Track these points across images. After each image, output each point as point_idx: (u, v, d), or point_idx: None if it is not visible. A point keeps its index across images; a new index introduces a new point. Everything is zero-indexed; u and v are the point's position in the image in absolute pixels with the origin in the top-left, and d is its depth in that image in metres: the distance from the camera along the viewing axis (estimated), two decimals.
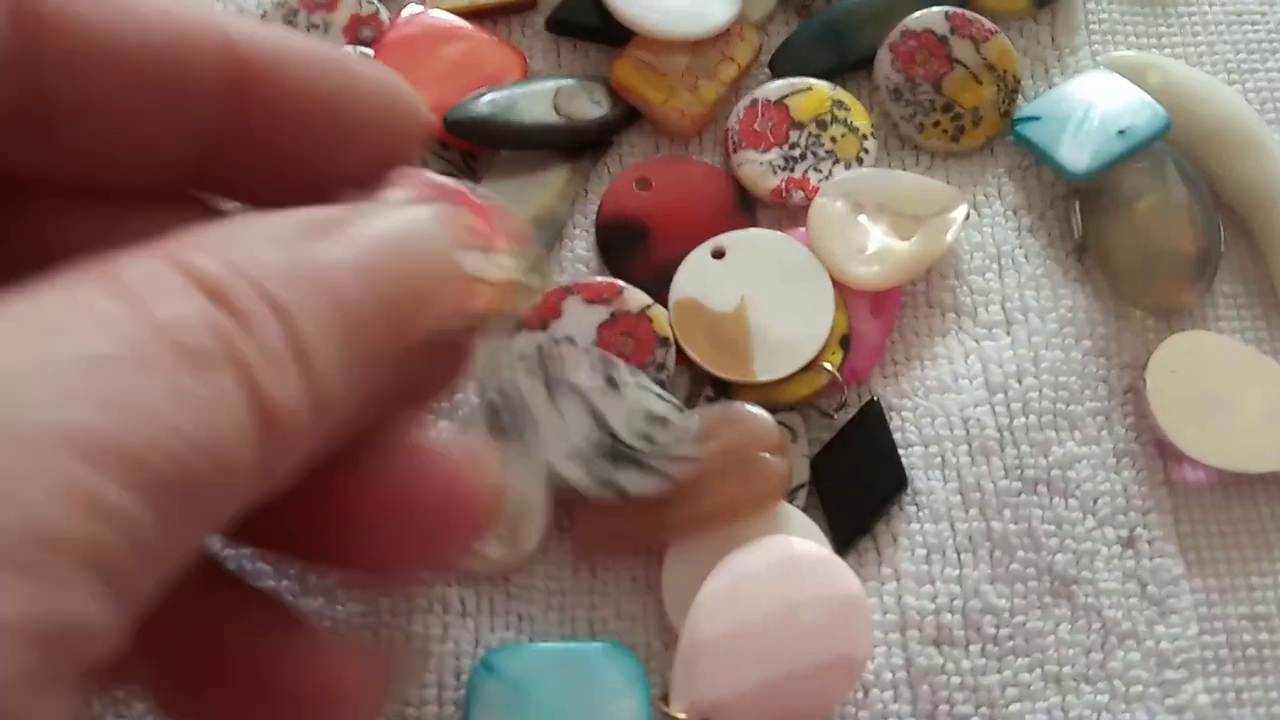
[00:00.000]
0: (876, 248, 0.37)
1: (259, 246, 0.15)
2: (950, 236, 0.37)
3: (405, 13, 0.40)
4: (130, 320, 0.13)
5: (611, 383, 0.33)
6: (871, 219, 0.37)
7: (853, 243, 0.37)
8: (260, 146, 0.19)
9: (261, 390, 0.13)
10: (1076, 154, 0.37)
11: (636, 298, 0.36)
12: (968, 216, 0.37)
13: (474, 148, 0.38)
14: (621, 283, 0.36)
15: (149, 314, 0.13)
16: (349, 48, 0.40)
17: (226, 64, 0.18)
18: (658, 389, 0.34)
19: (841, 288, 0.36)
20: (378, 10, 0.40)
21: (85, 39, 0.17)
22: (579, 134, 0.39)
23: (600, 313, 0.35)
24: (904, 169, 0.39)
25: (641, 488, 0.32)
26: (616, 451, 0.32)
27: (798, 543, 0.32)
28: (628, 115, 0.39)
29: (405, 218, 0.17)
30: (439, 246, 0.17)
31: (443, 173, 0.35)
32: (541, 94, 0.39)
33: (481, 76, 0.39)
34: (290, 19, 0.40)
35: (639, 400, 0.33)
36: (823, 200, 0.37)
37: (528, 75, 0.40)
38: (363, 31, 0.40)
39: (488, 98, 0.38)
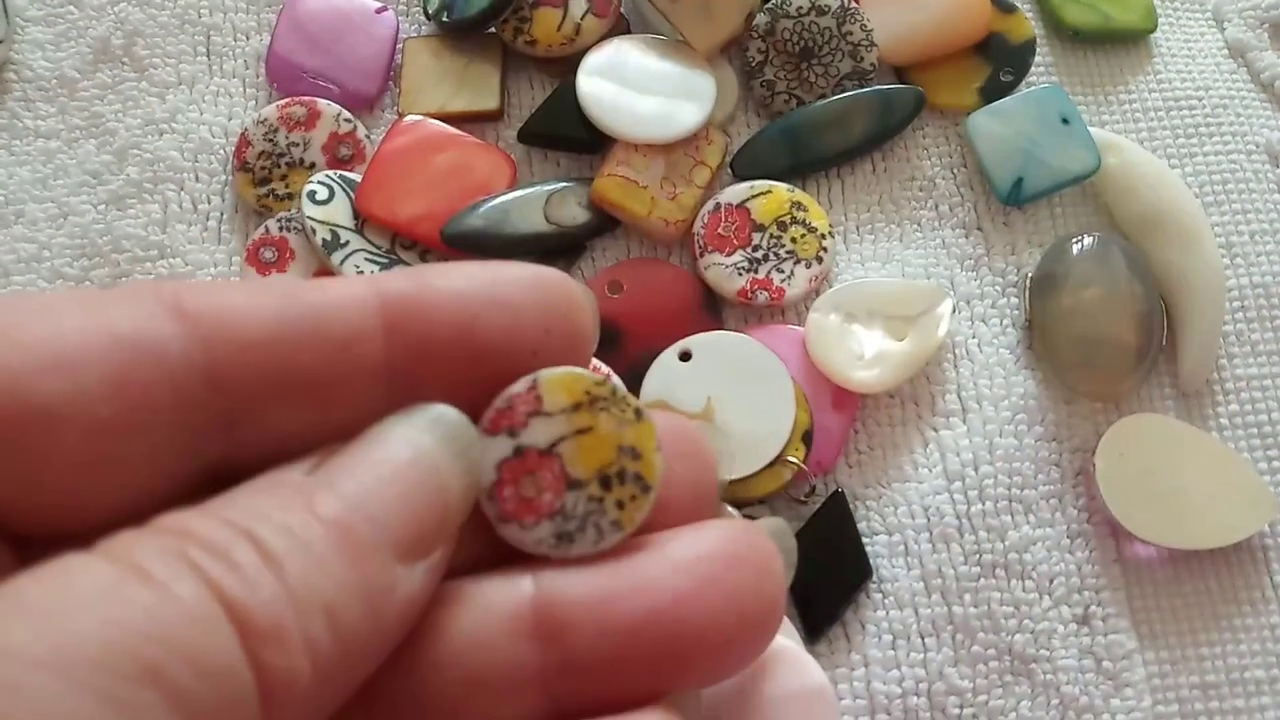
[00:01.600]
0: (874, 352, 0.39)
1: (259, 501, 0.16)
2: (941, 331, 0.39)
3: (408, 119, 0.42)
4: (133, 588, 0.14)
5: None
6: (865, 326, 0.39)
7: (851, 350, 0.39)
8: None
9: (247, 620, 0.14)
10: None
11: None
12: (955, 310, 0.40)
13: (456, 253, 0.40)
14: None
15: (145, 575, 0.14)
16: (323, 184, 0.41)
17: (383, 329, 0.17)
18: None
19: (808, 385, 0.38)
20: (355, 128, 0.42)
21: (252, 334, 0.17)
22: (567, 239, 0.41)
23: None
24: (862, 262, 0.41)
25: None
26: None
27: None
28: (609, 219, 0.41)
29: (402, 445, 0.17)
30: (445, 471, 0.17)
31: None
32: (533, 201, 0.41)
33: (472, 183, 0.41)
34: (270, 137, 0.42)
35: None
36: (816, 315, 0.39)
37: (516, 180, 0.42)
38: (341, 150, 0.42)
39: (482, 210, 0.40)
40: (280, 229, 0.41)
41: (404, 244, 0.41)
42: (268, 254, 0.40)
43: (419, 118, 0.42)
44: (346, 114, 0.42)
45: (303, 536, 0.15)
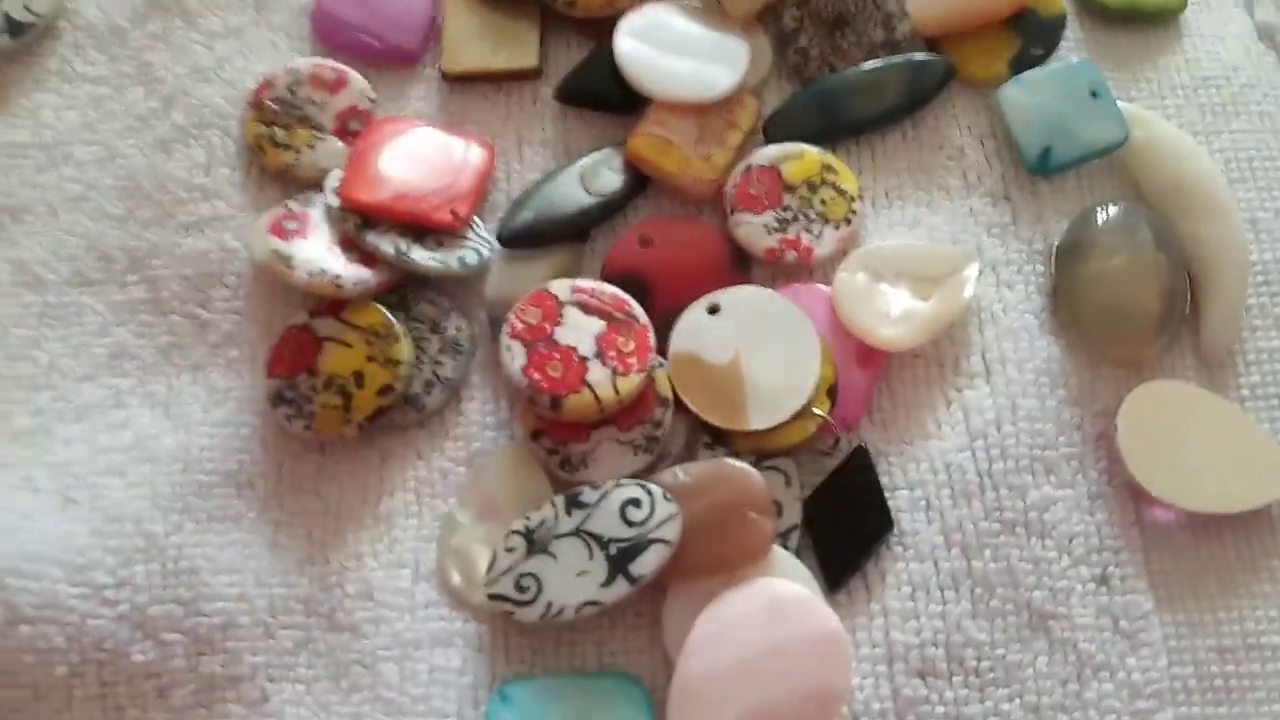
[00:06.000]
0: (900, 311, 0.39)
1: None
2: (967, 293, 0.40)
3: (381, 119, 0.43)
4: None
5: (578, 506, 0.36)
6: (892, 285, 0.40)
7: (878, 309, 0.39)
8: None
9: None
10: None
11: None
12: (980, 273, 0.40)
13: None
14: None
15: None
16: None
17: None
18: (607, 487, 0.36)
19: (834, 342, 0.39)
20: (373, 108, 0.43)
21: None
22: (611, 206, 0.42)
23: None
24: (890, 227, 0.42)
25: (652, 565, 0.35)
26: (619, 554, 0.35)
27: (781, 584, 0.34)
28: (643, 178, 0.42)
29: None
30: None
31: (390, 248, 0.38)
32: (569, 180, 0.42)
33: (448, 164, 0.41)
34: (293, 88, 0.43)
35: (607, 505, 0.36)
36: (844, 275, 0.40)
37: (494, 162, 0.42)
38: (352, 124, 0.43)
39: (526, 204, 0.41)
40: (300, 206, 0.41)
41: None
42: (290, 225, 0.40)
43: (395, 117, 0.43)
44: (371, 93, 0.43)
45: None
